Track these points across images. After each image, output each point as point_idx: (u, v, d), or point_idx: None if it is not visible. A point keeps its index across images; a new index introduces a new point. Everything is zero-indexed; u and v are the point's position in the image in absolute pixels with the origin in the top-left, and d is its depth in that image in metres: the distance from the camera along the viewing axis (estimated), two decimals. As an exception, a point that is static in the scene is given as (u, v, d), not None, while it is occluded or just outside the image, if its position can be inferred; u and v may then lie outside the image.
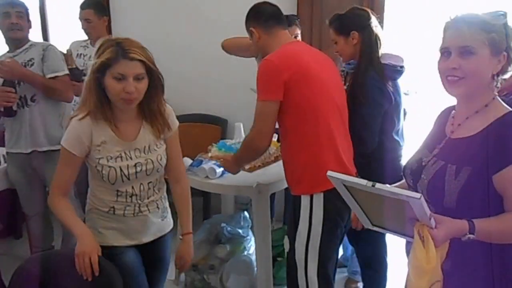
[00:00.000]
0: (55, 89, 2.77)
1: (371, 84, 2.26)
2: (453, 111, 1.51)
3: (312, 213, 2.04)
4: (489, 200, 1.35)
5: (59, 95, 2.83)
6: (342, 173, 1.86)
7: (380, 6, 3.42)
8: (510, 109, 1.39)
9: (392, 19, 3.27)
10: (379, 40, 2.35)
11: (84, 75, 3.22)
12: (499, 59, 1.36)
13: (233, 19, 3.70)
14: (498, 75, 1.39)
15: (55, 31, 4.42)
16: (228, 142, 2.97)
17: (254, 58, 2.59)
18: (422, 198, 1.25)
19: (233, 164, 2.43)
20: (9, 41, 2.78)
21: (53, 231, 3.17)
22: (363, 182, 1.40)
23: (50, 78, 2.76)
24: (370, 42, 2.33)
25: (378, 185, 1.35)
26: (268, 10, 2.19)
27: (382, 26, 2.69)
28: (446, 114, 1.56)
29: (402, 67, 2.39)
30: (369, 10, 2.43)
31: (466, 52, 1.35)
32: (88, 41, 3.41)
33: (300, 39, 3.01)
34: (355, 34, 2.33)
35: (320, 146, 2.00)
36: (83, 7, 3.30)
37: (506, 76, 1.42)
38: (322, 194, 2.00)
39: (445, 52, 1.40)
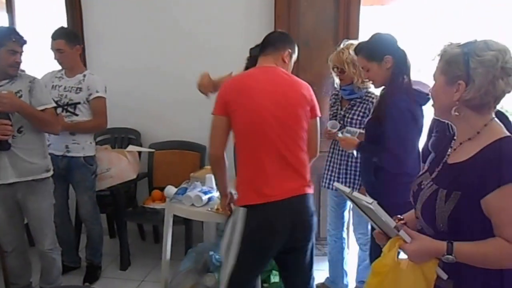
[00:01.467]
0: (47, 121, 2.79)
1: (402, 106, 2.30)
2: None
3: (236, 224, 2.20)
4: (478, 225, 1.37)
5: (50, 127, 2.84)
6: (264, 197, 2.12)
7: (355, 28, 3.49)
8: (505, 134, 1.41)
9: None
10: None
11: (59, 106, 3.18)
12: (456, 87, 1.39)
13: (210, 45, 3.74)
14: (467, 103, 1.40)
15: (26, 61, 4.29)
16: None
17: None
18: (375, 204, 1.37)
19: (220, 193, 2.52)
20: (1, 74, 2.73)
21: (31, 267, 3.05)
22: (347, 190, 1.53)
23: (40, 110, 2.75)
24: (405, 61, 2.36)
25: (354, 193, 1.48)
26: (264, 41, 2.40)
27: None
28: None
29: (428, 94, 2.40)
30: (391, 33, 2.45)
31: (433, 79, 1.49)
32: (63, 71, 3.34)
33: None
34: (389, 58, 2.35)
35: (247, 165, 2.22)
36: (54, 37, 3.23)
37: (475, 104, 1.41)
38: (246, 209, 2.18)
39: None
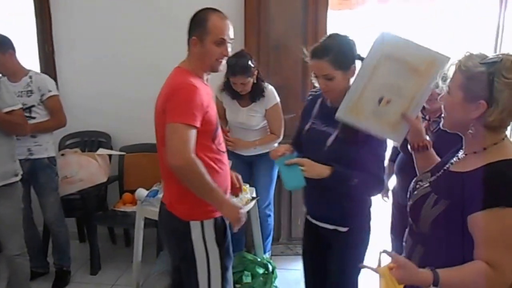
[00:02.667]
0: (16, 123, 2.74)
1: None
2: None
3: None
4: (457, 238, 1.37)
5: (18, 129, 2.79)
6: None
7: (323, 32, 3.54)
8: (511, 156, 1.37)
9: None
10: None
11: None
12: (475, 105, 1.34)
13: (179, 48, 3.72)
14: (486, 124, 1.35)
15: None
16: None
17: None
18: None
19: None
20: None
21: (-1, 274, 3.00)
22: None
23: (7, 112, 2.68)
24: None
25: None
26: None
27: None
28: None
29: None
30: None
31: (448, 91, 1.43)
32: (4, 78, 3.22)
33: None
34: (354, 67, 1.96)
35: None
36: None
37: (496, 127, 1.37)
38: None
39: None
